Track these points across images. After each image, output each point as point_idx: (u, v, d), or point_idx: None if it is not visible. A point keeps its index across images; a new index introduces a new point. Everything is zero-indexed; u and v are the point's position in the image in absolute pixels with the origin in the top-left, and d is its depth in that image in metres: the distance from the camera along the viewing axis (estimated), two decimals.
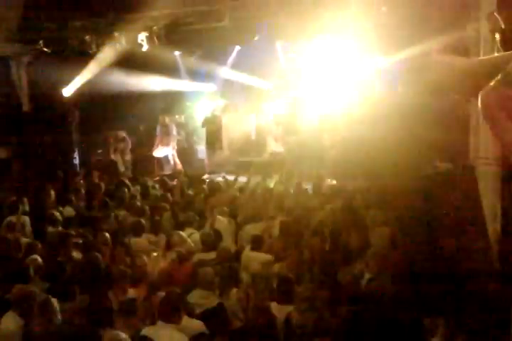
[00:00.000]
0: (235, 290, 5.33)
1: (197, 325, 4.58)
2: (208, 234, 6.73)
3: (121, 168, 13.38)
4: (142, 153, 14.08)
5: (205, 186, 9.99)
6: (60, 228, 7.61)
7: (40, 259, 6.02)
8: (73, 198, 9.29)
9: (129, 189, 9.77)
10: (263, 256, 6.34)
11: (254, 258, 6.26)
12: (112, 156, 13.50)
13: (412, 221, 1.62)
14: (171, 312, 4.52)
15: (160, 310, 4.61)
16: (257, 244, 6.52)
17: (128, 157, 13.77)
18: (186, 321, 4.58)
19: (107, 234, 6.90)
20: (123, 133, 13.86)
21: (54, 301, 4.71)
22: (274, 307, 4.92)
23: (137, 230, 7.17)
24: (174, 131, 13.92)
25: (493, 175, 4.38)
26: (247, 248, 6.59)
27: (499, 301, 1.71)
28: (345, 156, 12.22)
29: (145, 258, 6.02)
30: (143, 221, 7.38)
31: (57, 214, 7.96)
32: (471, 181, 1.58)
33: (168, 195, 9.08)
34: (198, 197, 9.06)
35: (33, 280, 5.62)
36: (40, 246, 6.59)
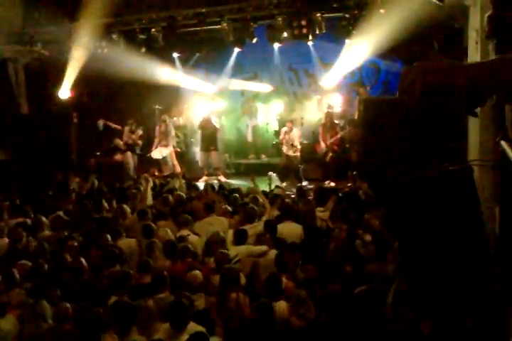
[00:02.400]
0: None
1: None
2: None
3: (131, 171, 13.31)
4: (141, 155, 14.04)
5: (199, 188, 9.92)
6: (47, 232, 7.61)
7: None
8: (71, 200, 9.24)
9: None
10: (245, 248, 6.34)
11: (234, 252, 6.21)
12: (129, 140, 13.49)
13: (410, 223, 1.62)
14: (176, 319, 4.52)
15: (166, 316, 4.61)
16: (239, 238, 6.52)
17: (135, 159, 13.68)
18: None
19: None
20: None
21: (46, 305, 4.66)
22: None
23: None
24: (173, 132, 13.87)
25: (491, 176, 4.37)
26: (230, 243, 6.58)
27: (497, 303, 1.70)
28: (342, 158, 12.25)
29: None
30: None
31: (45, 219, 7.93)
32: (469, 182, 1.57)
33: (170, 196, 8.97)
34: (193, 198, 8.99)
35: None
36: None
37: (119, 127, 13.71)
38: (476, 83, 1.34)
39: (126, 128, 13.66)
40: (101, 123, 13.68)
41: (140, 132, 13.72)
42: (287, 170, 12.61)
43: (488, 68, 1.29)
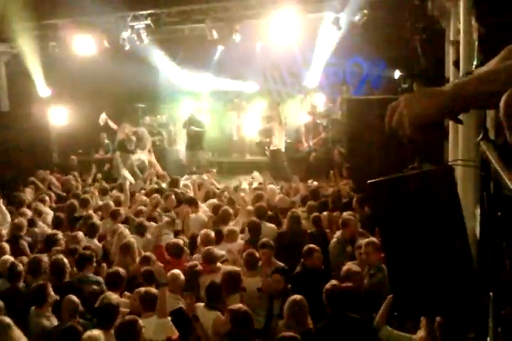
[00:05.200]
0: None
1: None
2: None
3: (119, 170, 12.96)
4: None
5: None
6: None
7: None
8: (47, 199, 9.11)
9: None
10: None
11: None
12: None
13: (391, 223, 1.62)
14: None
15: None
16: (217, 237, 6.59)
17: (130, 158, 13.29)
18: None
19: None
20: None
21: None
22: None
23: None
24: (146, 134, 13.64)
25: (471, 176, 4.41)
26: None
27: (478, 305, 1.72)
28: (325, 157, 12.29)
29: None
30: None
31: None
32: (450, 182, 1.57)
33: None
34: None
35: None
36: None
37: (115, 127, 13.33)
38: (461, 103, 1.35)
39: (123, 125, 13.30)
40: (103, 117, 13.16)
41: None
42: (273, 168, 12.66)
43: (474, 85, 1.30)
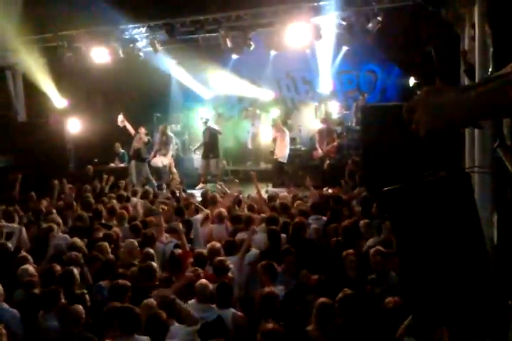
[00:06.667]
0: None
1: None
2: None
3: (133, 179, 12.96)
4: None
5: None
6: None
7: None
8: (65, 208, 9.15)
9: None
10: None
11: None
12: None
13: (408, 230, 1.61)
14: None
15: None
16: (229, 249, 6.47)
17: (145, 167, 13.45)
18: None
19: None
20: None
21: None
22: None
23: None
24: (174, 141, 13.79)
25: (489, 182, 4.37)
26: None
27: (496, 312, 1.69)
28: (339, 165, 12.24)
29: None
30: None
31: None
32: (466, 188, 1.56)
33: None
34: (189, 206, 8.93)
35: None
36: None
37: (133, 131, 13.40)
38: (480, 112, 1.34)
39: (138, 134, 13.39)
40: (121, 118, 13.19)
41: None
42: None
43: (493, 94, 1.29)
